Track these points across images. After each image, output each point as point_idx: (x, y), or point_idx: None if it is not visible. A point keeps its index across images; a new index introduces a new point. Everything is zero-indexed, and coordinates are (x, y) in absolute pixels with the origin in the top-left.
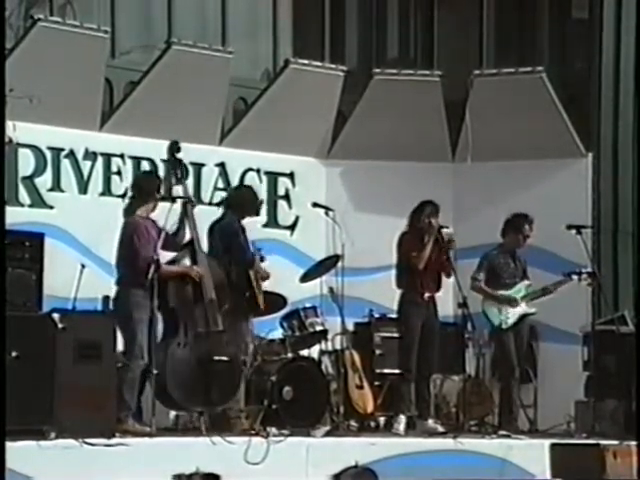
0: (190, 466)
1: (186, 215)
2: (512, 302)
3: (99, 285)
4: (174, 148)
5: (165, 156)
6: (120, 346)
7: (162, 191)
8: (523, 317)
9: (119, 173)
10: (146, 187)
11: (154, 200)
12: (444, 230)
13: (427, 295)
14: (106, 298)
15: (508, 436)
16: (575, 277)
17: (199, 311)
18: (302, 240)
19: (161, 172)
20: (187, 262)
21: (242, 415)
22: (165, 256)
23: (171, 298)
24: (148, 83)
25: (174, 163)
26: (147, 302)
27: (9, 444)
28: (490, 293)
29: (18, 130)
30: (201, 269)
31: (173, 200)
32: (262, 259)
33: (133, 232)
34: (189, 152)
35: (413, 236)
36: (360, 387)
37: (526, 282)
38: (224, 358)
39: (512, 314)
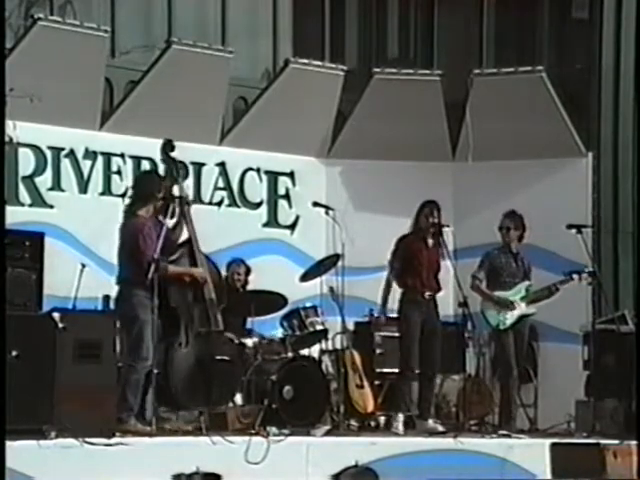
0: (190, 466)
1: (183, 214)
2: (509, 305)
3: (99, 285)
4: (167, 147)
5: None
6: (123, 346)
7: (162, 190)
8: (522, 318)
9: (119, 173)
10: (147, 187)
11: (155, 200)
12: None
13: (428, 294)
14: (106, 298)
15: (508, 436)
16: (575, 276)
17: (199, 311)
18: (302, 239)
19: (161, 172)
20: (186, 262)
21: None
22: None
23: (172, 298)
24: (148, 83)
25: (169, 162)
26: (149, 302)
27: (9, 444)
28: (488, 294)
29: (18, 130)
30: (204, 269)
31: (172, 199)
32: None
33: (138, 232)
34: (189, 152)
35: (415, 236)
36: (360, 386)
37: (527, 283)
38: (225, 358)
39: (510, 315)
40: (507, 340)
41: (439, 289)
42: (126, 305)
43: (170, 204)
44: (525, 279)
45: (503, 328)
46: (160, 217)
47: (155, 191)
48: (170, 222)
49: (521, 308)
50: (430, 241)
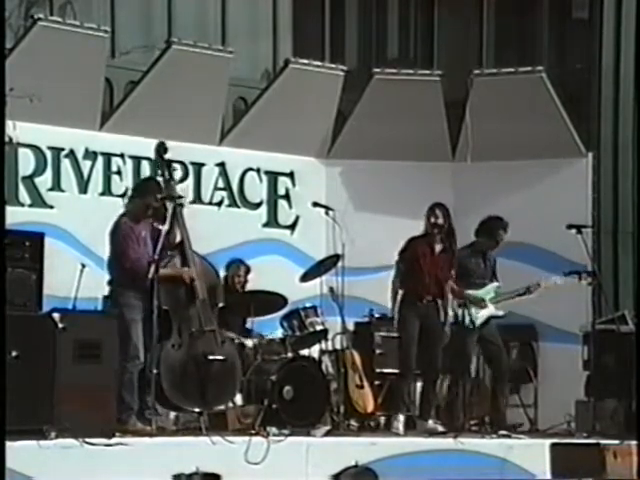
0: (190, 466)
1: (175, 216)
2: (480, 302)
3: (99, 285)
4: (161, 149)
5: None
6: None
7: (158, 195)
8: (490, 319)
9: (119, 173)
10: (141, 190)
11: (149, 202)
12: None
13: (426, 300)
14: (106, 298)
15: (508, 436)
16: (575, 276)
17: (192, 311)
18: (302, 240)
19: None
20: (177, 262)
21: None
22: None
23: (163, 300)
24: (148, 83)
25: (161, 164)
26: (138, 302)
27: (9, 444)
28: (460, 292)
29: (18, 130)
30: (192, 269)
31: (171, 200)
32: None
33: (119, 234)
34: (189, 152)
35: (423, 239)
36: (360, 387)
37: (495, 284)
38: (219, 357)
39: (480, 315)
40: (470, 339)
41: (441, 295)
42: (114, 306)
43: (167, 207)
44: (494, 279)
45: (471, 327)
46: (155, 220)
47: (148, 193)
48: (165, 225)
49: (490, 309)
50: (438, 246)
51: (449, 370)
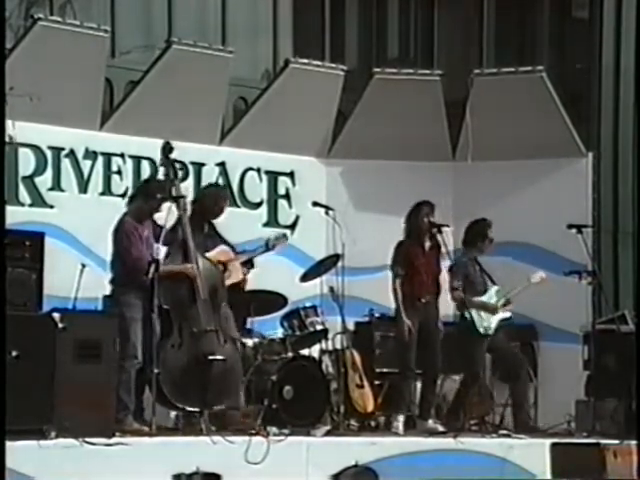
0: (190, 466)
1: (179, 215)
2: (494, 310)
3: (99, 285)
4: (167, 149)
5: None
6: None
7: (160, 194)
8: (501, 322)
9: (119, 172)
10: (143, 191)
11: (152, 202)
12: None
13: (424, 299)
14: (106, 298)
15: (508, 435)
16: (575, 276)
17: (193, 311)
18: (302, 239)
19: (161, 174)
20: (179, 262)
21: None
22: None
23: (163, 299)
24: (148, 83)
25: (167, 164)
26: (138, 301)
27: (9, 444)
28: (472, 302)
29: (18, 130)
30: (195, 267)
31: (172, 200)
32: None
33: (121, 233)
34: (189, 152)
35: (412, 240)
36: (360, 386)
37: (496, 287)
38: (219, 357)
39: (493, 320)
40: (482, 346)
41: (439, 292)
42: (114, 305)
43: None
44: (492, 283)
45: (490, 333)
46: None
47: (151, 193)
48: (168, 224)
49: (499, 313)
50: (427, 244)
51: (462, 379)
